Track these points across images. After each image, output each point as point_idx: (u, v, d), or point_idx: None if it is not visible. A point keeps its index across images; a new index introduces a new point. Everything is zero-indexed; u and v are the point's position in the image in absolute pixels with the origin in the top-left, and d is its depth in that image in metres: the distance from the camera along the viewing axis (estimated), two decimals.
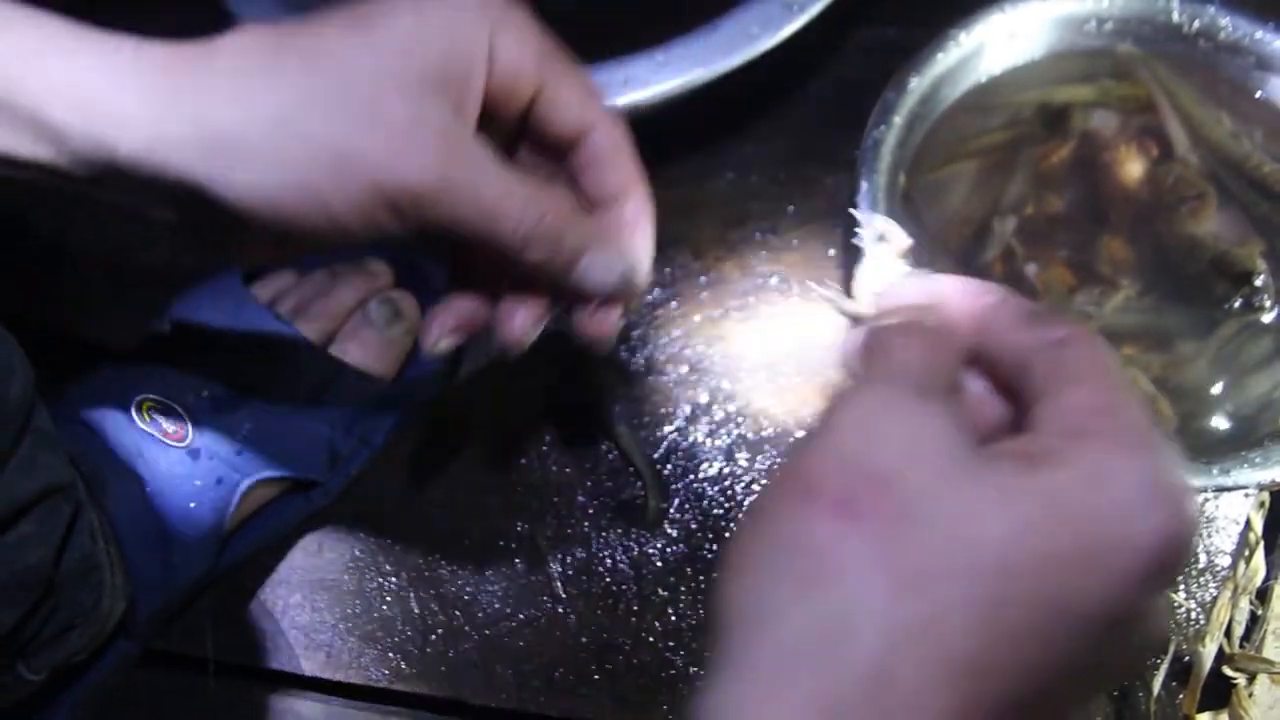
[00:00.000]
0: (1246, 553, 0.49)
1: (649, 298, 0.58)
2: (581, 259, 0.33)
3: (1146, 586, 0.22)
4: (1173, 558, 0.22)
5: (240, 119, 0.28)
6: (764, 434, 0.54)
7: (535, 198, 0.31)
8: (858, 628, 0.21)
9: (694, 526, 0.52)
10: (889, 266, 0.33)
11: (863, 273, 0.33)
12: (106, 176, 0.29)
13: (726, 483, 0.53)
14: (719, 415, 0.55)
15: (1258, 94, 0.54)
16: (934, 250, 0.52)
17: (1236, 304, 0.50)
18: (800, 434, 0.54)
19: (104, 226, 0.59)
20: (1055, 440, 0.23)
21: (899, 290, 0.30)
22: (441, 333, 0.35)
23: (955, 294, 0.28)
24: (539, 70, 0.32)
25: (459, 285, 0.36)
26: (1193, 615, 0.50)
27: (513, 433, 0.55)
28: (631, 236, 0.34)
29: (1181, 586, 0.51)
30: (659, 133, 0.60)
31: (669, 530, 0.52)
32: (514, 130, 0.35)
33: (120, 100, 0.28)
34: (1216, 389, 0.49)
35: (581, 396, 0.55)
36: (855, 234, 0.35)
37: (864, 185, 0.49)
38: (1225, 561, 0.51)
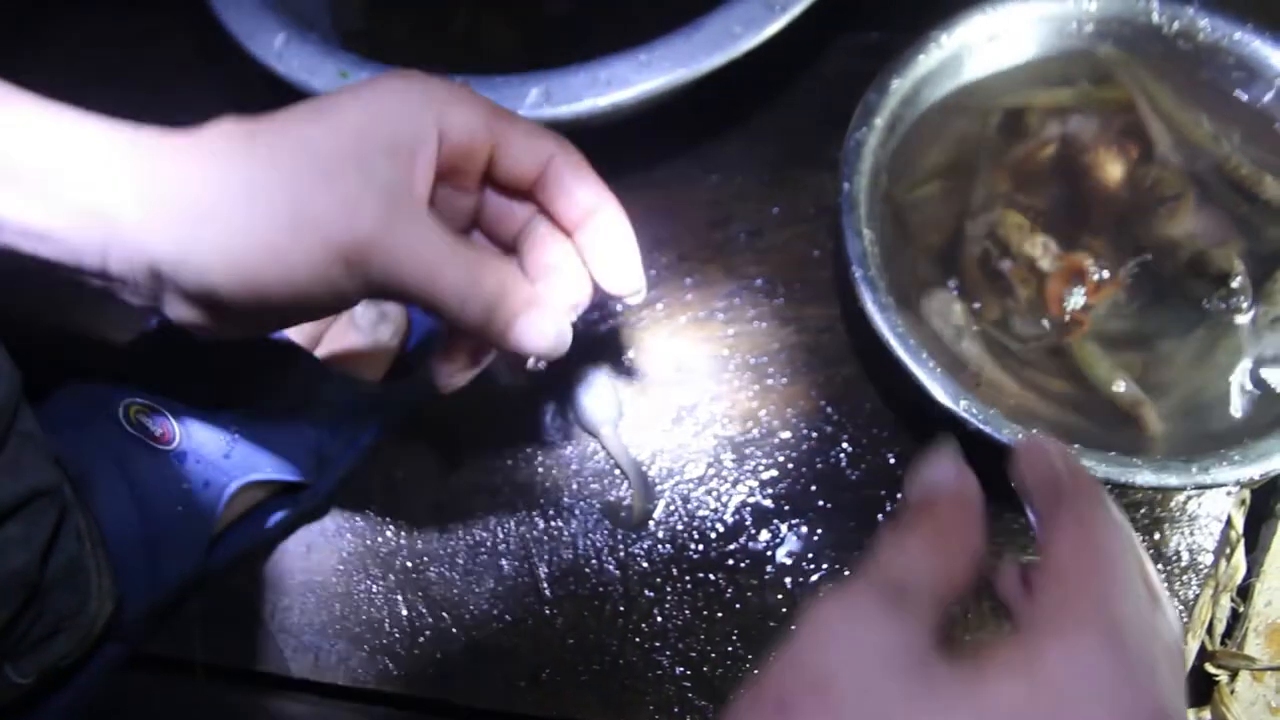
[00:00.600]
0: (1228, 550, 0.49)
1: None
2: (515, 324, 0.35)
3: None
4: None
5: (215, 194, 0.32)
6: (750, 435, 0.54)
7: (474, 262, 0.33)
8: None
9: (680, 528, 0.53)
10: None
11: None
12: (98, 246, 0.32)
13: (712, 484, 0.54)
14: (704, 416, 0.55)
15: (1237, 95, 0.54)
16: (914, 251, 0.52)
17: (1215, 304, 0.51)
18: (786, 434, 0.54)
19: None
20: (1013, 644, 0.24)
21: (929, 480, 0.30)
22: (452, 372, 0.38)
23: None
24: (489, 130, 0.35)
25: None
26: (1176, 613, 0.50)
27: (499, 435, 0.55)
28: (604, 257, 0.37)
29: (1165, 584, 0.51)
30: (644, 135, 0.60)
31: (655, 531, 0.53)
32: (478, 194, 0.38)
33: (118, 173, 0.32)
34: (1195, 387, 0.50)
35: (567, 398, 0.55)
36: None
37: (846, 187, 0.50)
38: (1207, 559, 0.51)
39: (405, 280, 0.32)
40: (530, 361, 0.39)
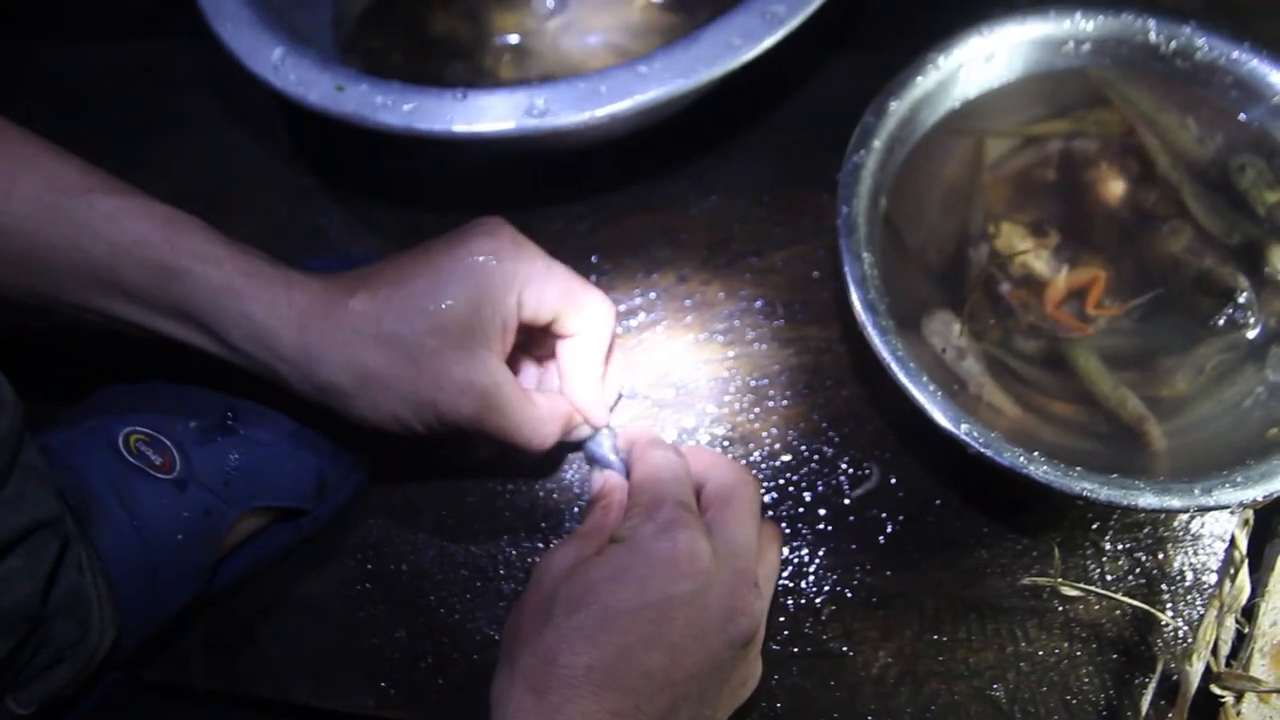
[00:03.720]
0: (1231, 571, 0.49)
1: (634, 322, 0.58)
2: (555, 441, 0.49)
3: (681, 595, 0.40)
4: (685, 580, 0.40)
5: (354, 384, 0.43)
6: (751, 458, 0.54)
7: (543, 421, 0.47)
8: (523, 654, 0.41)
9: None
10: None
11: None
12: (269, 379, 0.44)
13: None
14: (705, 439, 0.55)
15: (1234, 114, 0.54)
16: (914, 272, 0.52)
17: (1220, 322, 0.51)
18: (787, 457, 0.54)
19: None
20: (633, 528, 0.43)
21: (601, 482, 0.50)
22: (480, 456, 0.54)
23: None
24: (553, 308, 0.46)
25: None
26: (1180, 634, 0.50)
27: (501, 459, 0.55)
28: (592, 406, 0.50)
29: (1169, 605, 0.51)
30: (643, 157, 0.61)
31: None
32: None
33: (280, 349, 0.42)
34: (1200, 407, 0.49)
35: None
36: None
37: (845, 210, 0.50)
38: (1210, 579, 0.51)
39: (491, 435, 0.46)
40: None
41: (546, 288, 0.45)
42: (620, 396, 0.56)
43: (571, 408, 0.49)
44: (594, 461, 0.51)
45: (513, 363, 0.50)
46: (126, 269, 0.41)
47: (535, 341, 0.52)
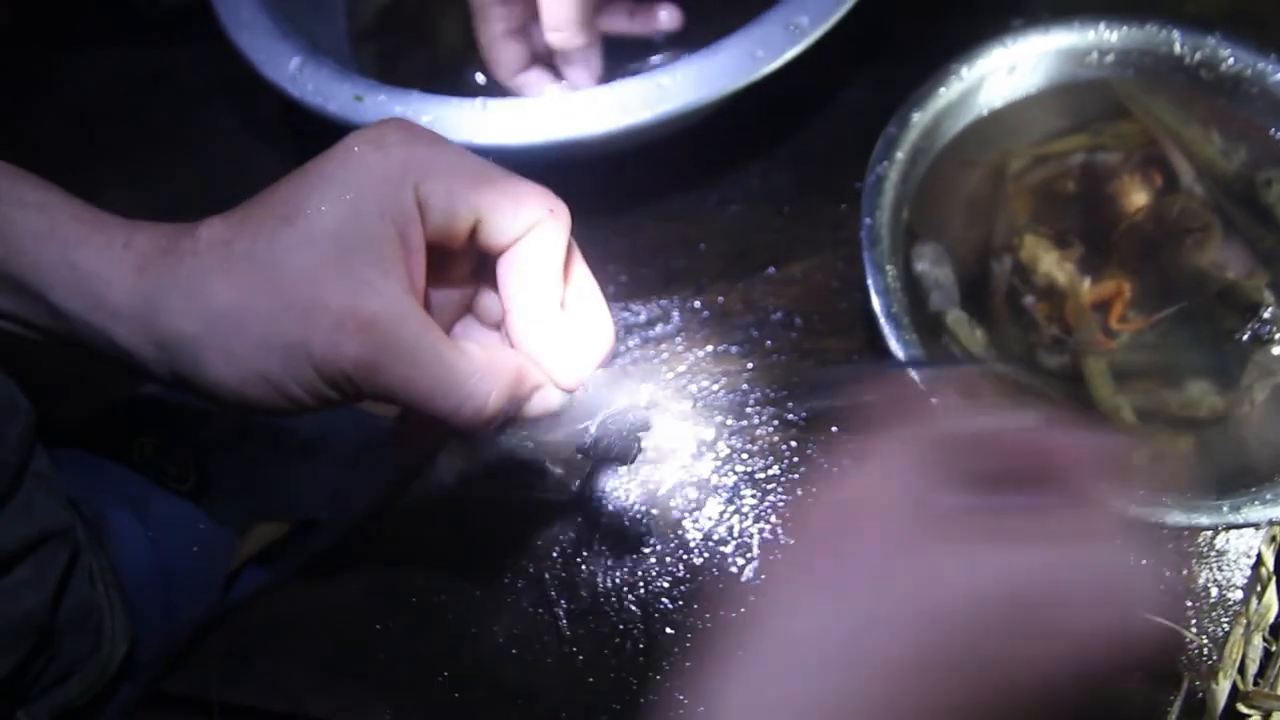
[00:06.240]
0: (1259, 588, 0.48)
1: (651, 333, 0.57)
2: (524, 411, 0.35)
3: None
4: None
5: (201, 327, 0.31)
6: (771, 470, 0.54)
7: (472, 375, 0.32)
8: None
9: (699, 564, 0.52)
10: None
11: None
12: (105, 351, 0.33)
13: (733, 520, 0.53)
14: (724, 451, 0.54)
15: (1260, 126, 0.54)
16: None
17: (1245, 337, 0.50)
18: (806, 469, 0.54)
19: None
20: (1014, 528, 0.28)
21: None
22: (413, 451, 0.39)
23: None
24: (473, 204, 0.33)
25: None
26: (1205, 651, 0.49)
27: (518, 474, 0.54)
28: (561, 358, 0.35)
29: (1194, 622, 0.50)
30: (662, 166, 0.60)
31: (676, 569, 0.52)
32: (468, 254, 0.36)
33: (113, 300, 0.32)
34: (1222, 421, 0.49)
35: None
36: None
37: (868, 221, 0.49)
38: (1236, 595, 0.50)
39: (399, 398, 0.32)
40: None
41: (457, 177, 0.33)
42: (612, 357, 0.39)
43: (521, 359, 0.34)
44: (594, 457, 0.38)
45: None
46: None
47: (483, 307, 0.38)
